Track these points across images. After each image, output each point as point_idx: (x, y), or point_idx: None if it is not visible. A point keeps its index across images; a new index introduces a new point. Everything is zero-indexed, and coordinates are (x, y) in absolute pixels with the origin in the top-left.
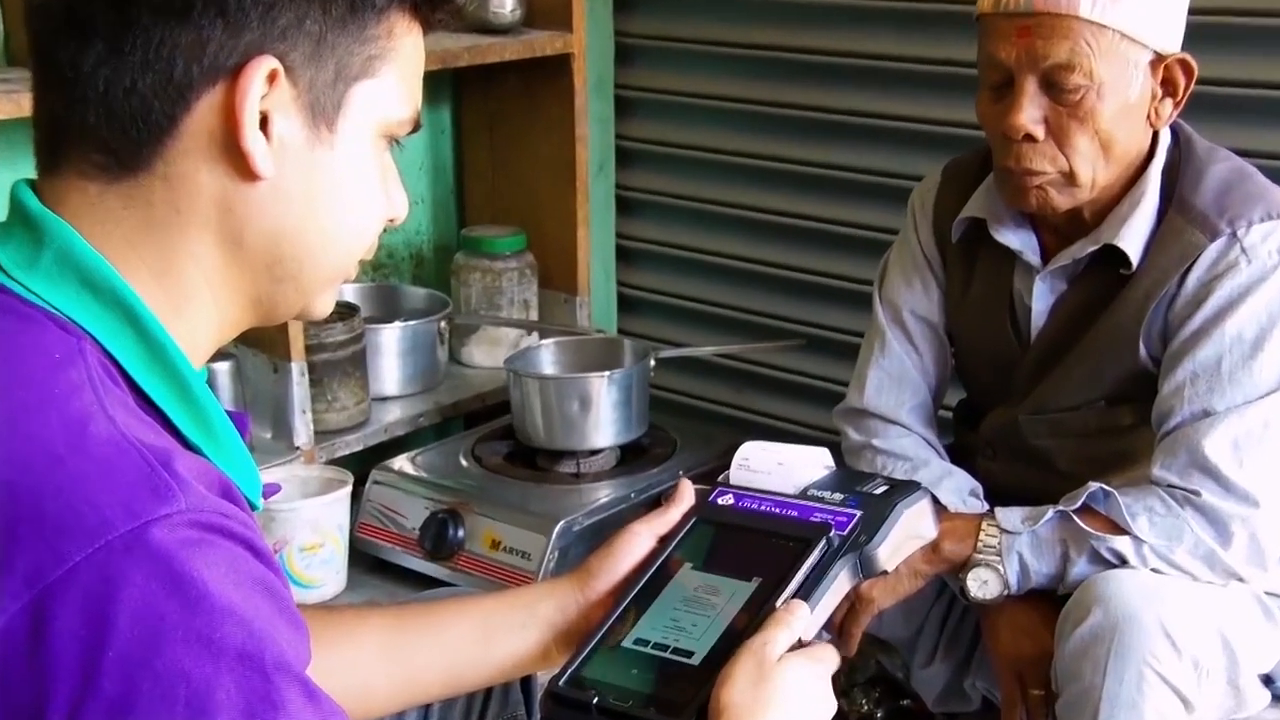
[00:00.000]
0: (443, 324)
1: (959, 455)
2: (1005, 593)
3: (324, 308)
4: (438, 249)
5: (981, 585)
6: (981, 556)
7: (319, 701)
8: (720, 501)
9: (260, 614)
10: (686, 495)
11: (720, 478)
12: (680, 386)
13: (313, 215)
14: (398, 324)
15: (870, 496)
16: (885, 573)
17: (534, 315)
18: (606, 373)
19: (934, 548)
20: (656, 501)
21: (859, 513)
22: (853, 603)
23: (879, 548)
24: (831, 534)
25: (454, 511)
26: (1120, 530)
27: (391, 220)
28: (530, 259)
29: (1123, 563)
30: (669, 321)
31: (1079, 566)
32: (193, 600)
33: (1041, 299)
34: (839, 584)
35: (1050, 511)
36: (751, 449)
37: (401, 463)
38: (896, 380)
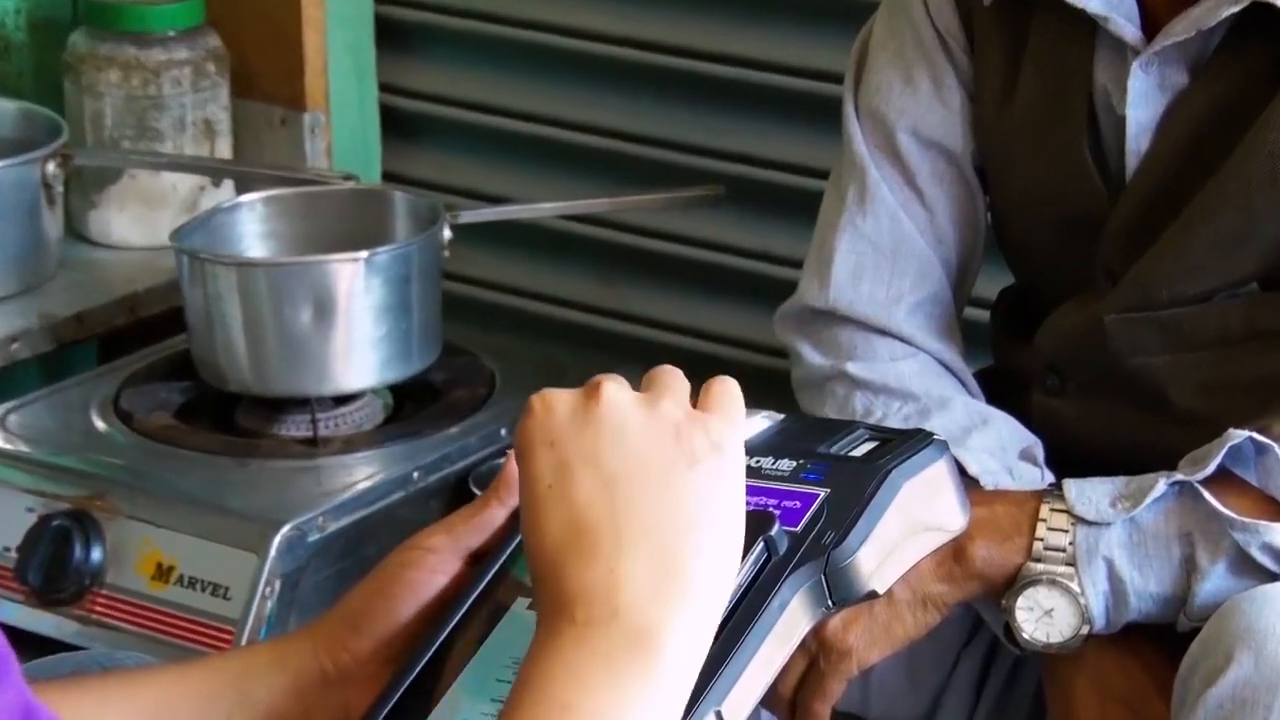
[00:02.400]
0: (50, 166)
1: (1002, 387)
2: (1085, 632)
3: None
4: (36, 28)
5: (1041, 620)
6: (1042, 568)
7: None
8: None
9: None
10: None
11: None
12: (501, 275)
13: None
14: None
15: (843, 462)
16: (873, 595)
17: (224, 150)
18: (362, 253)
19: (958, 554)
20: (463, 490)
21: (823, 491)
22: (814, 657)
23: (859, 552)
24: (774, 531)
25: (83, 514)
26: None
27: None
28: (214, 43)
29: None
30: (476, 156)
31: (1212, 580)
32: None
33: (1144, 103)
34: (789, 621)
35: (1161, 483)
36: None
37: None
38: (888, 256)
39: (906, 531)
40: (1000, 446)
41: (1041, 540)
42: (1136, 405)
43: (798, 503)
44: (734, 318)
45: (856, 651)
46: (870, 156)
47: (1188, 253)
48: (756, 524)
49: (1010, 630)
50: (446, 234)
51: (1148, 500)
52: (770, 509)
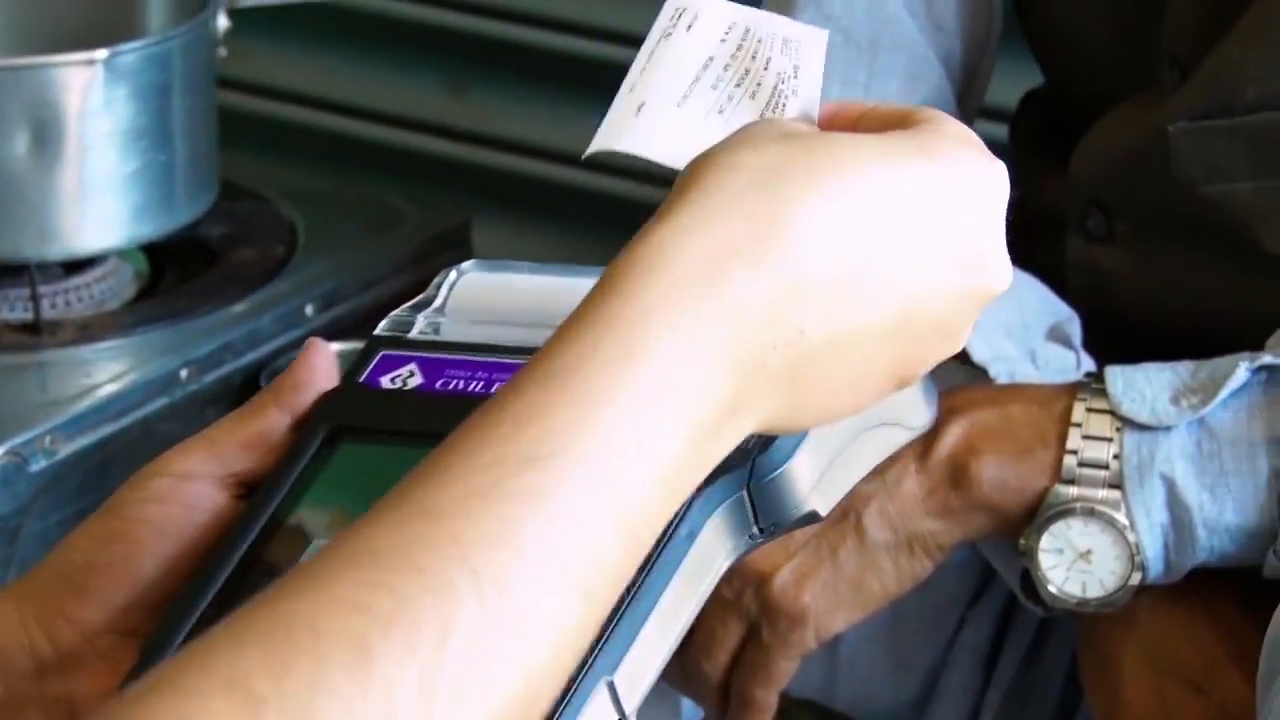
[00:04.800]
0: None
1: (1025, 231)
2: (1135, 582)
3: None
4: None
5: (1076, 567)
6: (1076, 493)
7: None
8: (390, 382)
9: None
10: (313, 372)
11: (386, 324)
12: (303, 82)
13: None
14: None
15: None
16: (814, 519)
17: None
18: (99, 52)
19: (957, 475)
20: (253, 394)
21: None
22: (755, 623)
23: (794, 457)
24: None
25: None
26: None
27: None
28: None
29: None
30: None
31: None
32: None
33: None
34: (702, 556)
35: (1242, 368)
36: (477, 275)
37: None
38: (865, 47)
39: (855, 427)
40: (1021, 322)
41: (1075, 453)
42: (1211, 254)
43: None
44: None
45: (814, 615)
46: None
47: None
48: None
49: (1031, 582)
50: (223, 22)
51: (1223, 393)
52: None
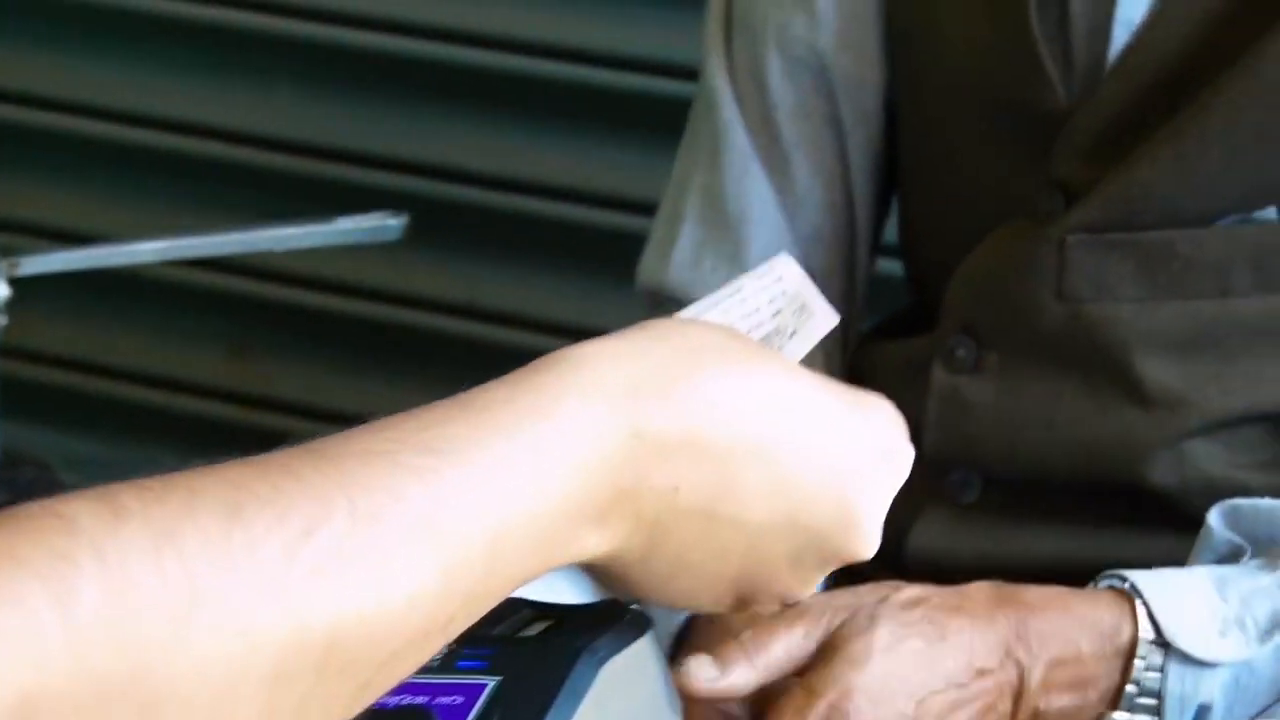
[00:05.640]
0: None
1: (884, 375)
2: None
3: None
4: None
5: None
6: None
7: None
8: None
9: None
10: None
11: None
12: (83, 349)
13: None
14: None
15: (512, 644)
16: None
17: None
18: None
19: (1036, 716)
20: None
21: (490, 680)
22: None
23: None
24: None
25: None
26: None
27: None
28: None
29: None
30: (43, 175)
31: None
32: None
33: None
34: None
35: None
36: None
37: None
38: (734, 223)
39: None
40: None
41: (1136, 685)
42: (1079, 383)
43: (458, 698)
44: (425, 403)
45: None
46: (728, 84)
47: (1202, 156)
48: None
49: None
50: (3, 290)
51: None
52: (428, 709)
